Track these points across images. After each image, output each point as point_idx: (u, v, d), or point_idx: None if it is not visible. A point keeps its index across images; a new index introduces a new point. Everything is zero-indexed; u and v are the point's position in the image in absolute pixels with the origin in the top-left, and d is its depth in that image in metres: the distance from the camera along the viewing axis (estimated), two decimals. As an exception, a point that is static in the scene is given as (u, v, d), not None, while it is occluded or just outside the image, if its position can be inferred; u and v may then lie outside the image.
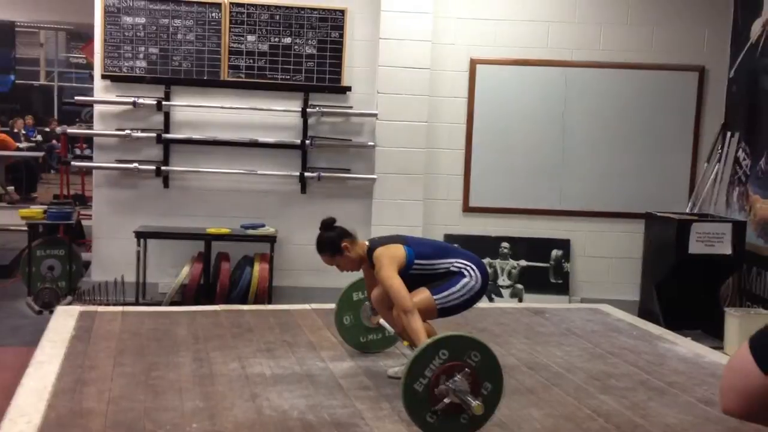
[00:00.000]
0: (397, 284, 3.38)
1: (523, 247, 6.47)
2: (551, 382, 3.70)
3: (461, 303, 3.53)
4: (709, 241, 5.69)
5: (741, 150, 6.21)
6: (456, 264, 3.55)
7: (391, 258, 3.47)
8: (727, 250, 5.70)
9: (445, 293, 3.48)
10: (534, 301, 6.06)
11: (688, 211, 6.35)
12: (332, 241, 3.62)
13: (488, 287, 3.45)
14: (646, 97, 6.46)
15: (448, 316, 3.58)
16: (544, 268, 6.50)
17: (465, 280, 3.50)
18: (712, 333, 5.55)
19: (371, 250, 3.57)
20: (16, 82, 19.26)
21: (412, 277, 3.50)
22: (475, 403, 2.86)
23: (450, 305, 3.51)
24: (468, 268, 3.54)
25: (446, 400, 2.90)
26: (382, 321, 3.87)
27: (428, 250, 3.61)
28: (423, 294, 3.46)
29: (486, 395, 2.95)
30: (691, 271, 5.79)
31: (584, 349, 4.30)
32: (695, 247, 5.69)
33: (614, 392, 3.59)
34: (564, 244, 6.51)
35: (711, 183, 6.37)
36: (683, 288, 5.83)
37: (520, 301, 6.34)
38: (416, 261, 3.52)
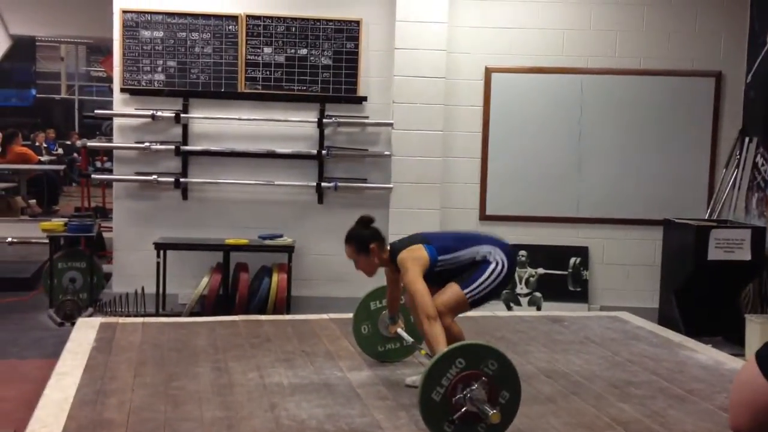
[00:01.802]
0: (421, 289, 3.39)
1: (540, 254, 6.45)
2: (570, 390, 3.69)
3: (491, 290, 3.53)
4: (729, 247, 5.66)
5: (759, 155, 6.17)
6: (480, 252, 3.54)
7: (414, 261, 3.49)
8: (747, 256, 5.66)
9: (474, 285, 3.48)
10: (552, 309, 6.04)
11: (706, 217, 6.31)
12: (362, 239, 3.64)
13: (516, 267, 3.47)
14: (663, 103, 6.44)
15: (482, 305, 3.60)
16: (563, 275, 6.48)
17: (491, 267, 3.50)
18: (733, 340, 5.51)
19: (394, 253, 3.59)
20: (38, 96, 19.50)
21: (439, 273, 3.51)
22: (492, 413, 2.86)
23: (481, 296, 3.51)
24: (492, 253, 3.53)
25: (463, 409, 2.90)
26: (399, 330, 3.88)
27: (450, 243, 3.61)
28: (452, 289, 3.47)
29: (503, 404, 2.95)
30: (710, 278, 5.75)
31: (603, 357, 4.29)
32: (714, 254, 5.66)
33: (634, 400, 3.57)
34: (582, 252, 6.48)
35: (729, 189, 6.34)
36: (703, 295, 5.79)
37: (539, 309, 6.32)
38: (440, 258, 3.53)
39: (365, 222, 3.69)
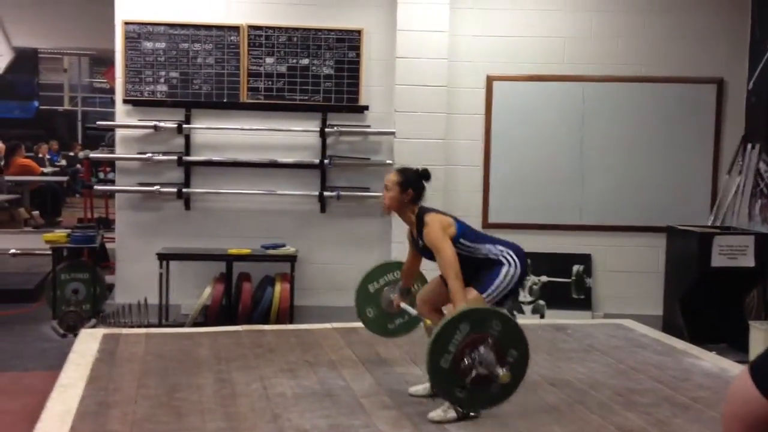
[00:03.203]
0: (447, 247, 3.44)
1: (543, 262, 6.44)
2: (574, 399, 3.68)
3: (508, 292, 3.56)
4: (732, 254, 5.64)
5: (762, 162, 6.16)
6: (494, 251, 3.57)
7: (441, 223, 3.53)
8: (751, 262, 5.65)
9: (492, 288, 3.50)
10: (556, 317, 6.02)
11: (709, 224, 6.30)
12: (410, 178, 3.65)
13: (528, 267, 3.51)
14: (665, 110, 6.44)
15: (501, 306, 3.62)
16: (566, 283, 6.47)
17: (505, 268, 3.52)
18: (738, 347, 5.49)
19: (421, 213, 3.61)
20: (41, 107, 19.55)
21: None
22: (502, 373, 2.87)
23: (500, 297, 3.53)
24: (505, 253, 3.56)
25: (473, 373, 2.91)
26: (403, 304, 3.87)
27: (472, 233, 3.65)
28: (472, 294, 3.47)
29: (512, 363, 2.97)
30: (714, 285, 5.74)
31: (608, 365, 4.27)
32: (718, 260, 5.64)
33: (638, 409, 3.56)
34: (585, 259, 6.47)
35: (732, 195, 6.33)
36: (707, 302, 5.78)
37: (542, 317, 6.31)
38: (461, 240, 3.55)
39: (424, 174, 3.69)
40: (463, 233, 3.58)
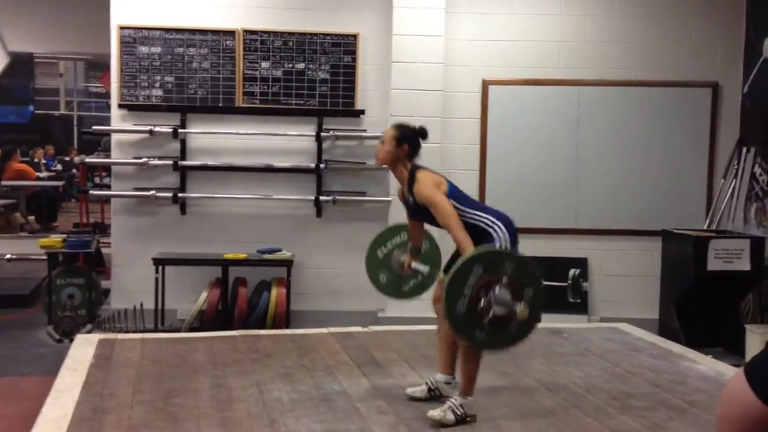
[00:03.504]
0: (441, 199, 3.40)
1: (539, 266, 6.41)
2: (570, 403, 3.68)
3: None
4: (728, 257, 5.65)
5: (757, 165, 6.17)
6: (485, 220, 3.47)
7: (433, 180, 3.51)
8: (746, 266, 5.65)
9: None
10: (552, 321, 6.00)
11: (705, 227, 6.31)
12: (406, 134, 3.65)
13: (517, 238, 3.45)
14: (660, 114, 6.45)
15: None
16: (562, 287, 6.45)
17: (494, 244, 3.41)
18: (734, 350, 5.49)
19: (414, 170, 3.58)
20: (36, 112, 19.52)
21: (431, 218, 3.49)
22: (519, 309, 2.90)
23: None
24: (496, 226, 3.44)
25: (491, 313, 2.94)
26: (414, 264, 3.86)
27: (463, 197, 3.57)
28: None
29: (528, 300, 3.00)
30: (710, 288, 5.74)
31: (604, 369, 4.28)
32: (714, 264, 5.65)
33: (634, 412, 3.56)
34: (581, 263, 6.47)
35: (728, 199, 6.34)
36: (703, 305, 5.78)
37: (539, 321, 6.30)
38: (452, 201, 3.47)
39: (421, 131, 3.69)
40: (453, 194, 3.51)
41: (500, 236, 3.43)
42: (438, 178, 3.56)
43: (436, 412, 3.33)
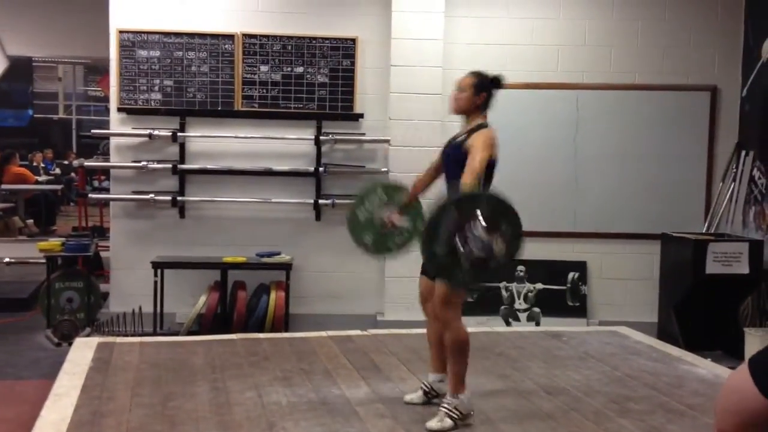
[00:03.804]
0: (483, 157, 3.35)
1: (539, 270, 6.45)
2: (570, 406, 3.68)
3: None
4: (727, 260, 5.65)
5: (756, 169, 6.18)
6: None
7: (495, 141, 3.46)
8: (745, 269, 5.66)
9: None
10: (551, 325, 6.02)
11: (704, 231, 6.31)
12: (484, 83, 3.59)
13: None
14: (659, 117, 6.46)
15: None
16: (561, 290, 6.47)
17: None
18: (732, 353, 5.50)
19: (483, 125, 3.54)
20: (35, 116, 19.52)
21: (460, 171, 3.41)
22: (496, 247, 2.95)
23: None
24: None
25: (470, 255, 2.96)
26: (396, 218, 3.88)
27: (492, 178, 3.53)
28: (442, 288, 3.36)
29: (505, 233, 3.05)
30: (709, 292, 5.75)
31: (603, 373, 4.27)
32: (712, 267, 5.66)
33: (633, 416, 3.56)
34: (580, 267, 6.48)
35: (727, 202, 6.34)
36: (702, 309, 5.78)
37: (538, 324, 6.31)
38: (488, 168, 3.42)
39: (497, 81, 3.63)
40: (494, 165, 3.48)
41: None
42: (497, 143, 3.50)
43: (433, 423, 3.32)
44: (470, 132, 3.55)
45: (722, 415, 1.23)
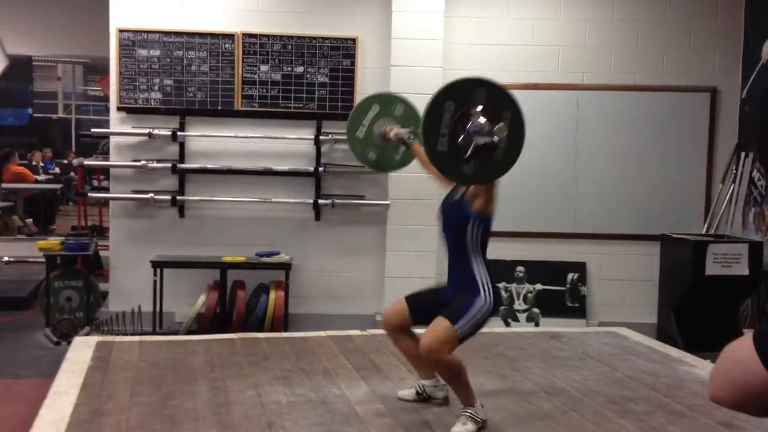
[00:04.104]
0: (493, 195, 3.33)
1: (538, 270, 6.45)
2: (569, 406, 3.67)
3: (476, 328, 3.39)
4: (726, 262, 5.66)
5: (756, 170, 6.18)
6: (482, 271, 3.40)
7: (496, 197, 3.40)
8: (744, 271, 5.66)
9: (463, 320, 3.31)
10: (551, 325, 6.02)
11: (703, 232, 6.31)
12: None
13: (500, 304, 3.41)
14: (659, 118, 6.46)
15: (464, 341, 3.43)
16: (561, 291, 6.47)
17: (480, 303, 3.34)
18: (732, 355, 5.48)
19: None
20: (34, 115, 19.51)
21: (460, 234, 3.39)
22: (497, 128, 2.91)
23: (468, 332, 3.34)
24: (484, 281, 3.39)
25: (473, 145, 2.93)
26: (396, 130, 3.88)
27: (488, 236, 3.48)
28: (443, 324, 3.29)
29: (508, 121, 3.01)
30: (708, 293, 5.75)
31: (602, 373, 4.27)
32: (712, 269, 5.66)
33: (633, 416, 3.56)
34: (580, 267, 6.48)
35: (726, 204, 6.35)
36: (701, 310, 5.78)
37: (537, 325, 6.31)
38: (484, 224, 3.38)
39: None
40: (489, 222, 3.42)
41: (487, 299, 3.34)
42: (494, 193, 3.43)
43: (457, 428, 3.27)
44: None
45: (720, 383, 1.23)
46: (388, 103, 4.08)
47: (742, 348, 1.20)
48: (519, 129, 3.04)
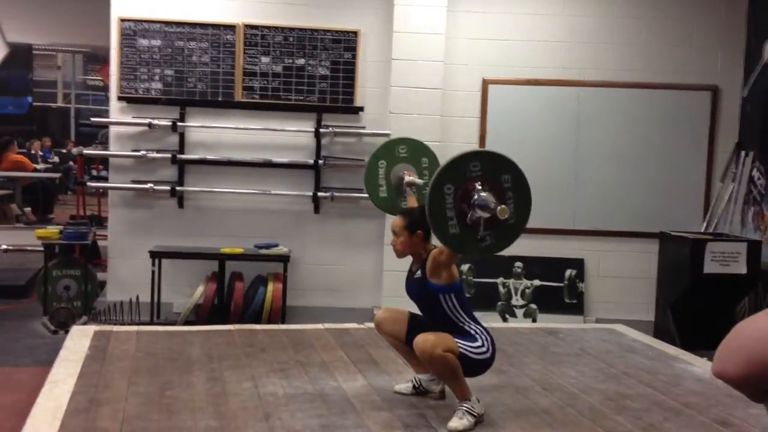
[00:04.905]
0: (452, 260, 3.31)
1: (536, 266, 6.45)
2: (566, 402, 3.68)
3: (475, 363, 3.35)
4: (724, 260, 5.66)
5: (756, 169, 6.18)
6: (474, 327, 3.40)
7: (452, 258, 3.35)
8: (743, 269, 5.67)
9: (466, 344, 3.32)
10: (548, 321, 6.03)
11: (702, 230, 6.32)
12: (416, 220, 3.41)
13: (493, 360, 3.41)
14: (660, 116, 6.45)
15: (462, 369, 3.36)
16: (558, 287, 6.48)
17: (478, 343, 3.34)
18: (729, 353, 5.49)
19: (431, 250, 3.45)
20: (34, 104, 19.49)
21: (435, 310, 3.41)
22: (499, 208, 2.91)
23: (468, 356, 3.31)
24: (483, 335, 3.39)
25: (482, 221, 2.93)
26: (411, 178, 3.93)
27: (464, 297, 3.46)
28: (445, 335, 3.31)
29: (511, 186, 3.03)
30: (706, 291, 5.75)
31: (599, 370, 4.28)
32: (710, 267, 5.66)
33: (629, 413, 3.56)
34: (578, 264, 6.48)
35: (726, 202, 6.35)
36: (698, 308, 5.79)
37: (534, 321, 6.32)
38: (454, 292, 3.36)
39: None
40: (460, 288, 3.41)
41: (485, 343, 3.35)
42: (455, 260, 3.41)
43: (454, 422, 3.27)
44: (424, 261, 3.42)
45: (731, 358, 1.20)
46: (389, 152, 4.07)
47: (760, 324, 1.19)
48: (523, 187, 3.04)
